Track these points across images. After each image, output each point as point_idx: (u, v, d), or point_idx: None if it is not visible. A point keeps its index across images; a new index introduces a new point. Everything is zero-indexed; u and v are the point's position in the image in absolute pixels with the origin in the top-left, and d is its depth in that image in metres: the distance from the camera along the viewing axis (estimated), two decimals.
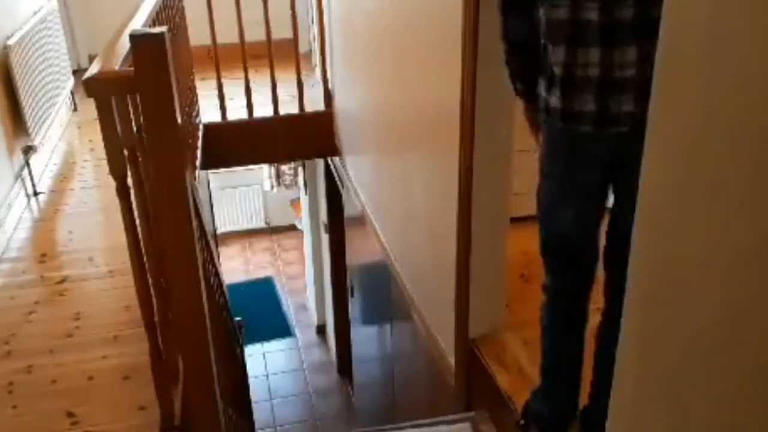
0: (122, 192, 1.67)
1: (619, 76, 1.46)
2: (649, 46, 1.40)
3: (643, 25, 1.40)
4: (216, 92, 4.15)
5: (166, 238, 1.68)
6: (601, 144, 1.53)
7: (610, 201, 1.65)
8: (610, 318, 1.64)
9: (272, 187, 7.66)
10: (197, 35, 4.04)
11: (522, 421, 1.91)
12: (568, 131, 1.56)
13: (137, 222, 1.74)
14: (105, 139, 1.61)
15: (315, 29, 4.46)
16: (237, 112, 4.28)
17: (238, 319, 3.80)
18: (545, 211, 1.68)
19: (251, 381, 4.62)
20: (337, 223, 4.99)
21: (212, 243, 3.50)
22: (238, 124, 4.26)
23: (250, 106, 4.21)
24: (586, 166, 1.58)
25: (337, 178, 4.54)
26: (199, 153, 3.73)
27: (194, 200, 1.99)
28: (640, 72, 1.43)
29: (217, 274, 3.23)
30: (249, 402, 4.21)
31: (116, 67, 1.61)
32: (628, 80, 1.45)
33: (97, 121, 1.59)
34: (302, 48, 4.79)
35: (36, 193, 3.61)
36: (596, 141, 1.53)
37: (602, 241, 1.65)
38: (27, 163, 3.58)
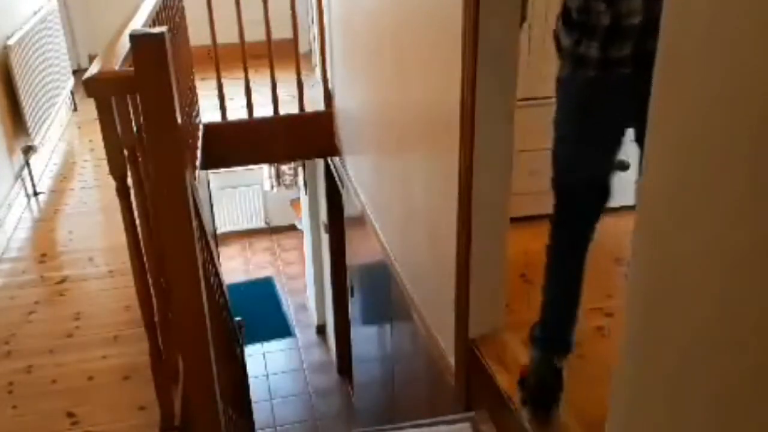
0: (122, 192, 1.67)
1: (626, 25, 1.52)
2: None
3: None
4: (216, 92, 4.15)
5: (166, 238, 1.68)
6: (607, 87, 1.60)
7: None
8: None
9: (272, 187, 7.66)
10: (197, 35, 4.04)
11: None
12: (577, 77, 1.63)
13: (137, 222, 1.74)
14: (105, 139, 1.61)
15: (315, 29, 4.46)
16: (237, 112, 4.28)
17: (238, 319, 3.80)
18: (558, 151, 1.75)
19: (251, 381, 4.62)
20: (337, 223, 4.99)
21: (212, 243, 3.50)
22: (238, 124, 4.26)
23: (250, 106, 4.21)
24: (597, 110, 1.65)
25: (337, 178, 4.54)
26: (199, 153, 3.73)
27: (194, 200, 1.99)
28: (645, 18, 1.50)
29: (217, 274, 3.23)
30: (249, 402, 4.21)
31: (116, 67, 1.61)
32: (633, 27, 1.52)
33: (97, 121, 1.59)
34: (302, 48, 4.79)
35: (36, 193, 3.61)
36: (602, 84, 1.60)
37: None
38: (27, 163, 3.59)
